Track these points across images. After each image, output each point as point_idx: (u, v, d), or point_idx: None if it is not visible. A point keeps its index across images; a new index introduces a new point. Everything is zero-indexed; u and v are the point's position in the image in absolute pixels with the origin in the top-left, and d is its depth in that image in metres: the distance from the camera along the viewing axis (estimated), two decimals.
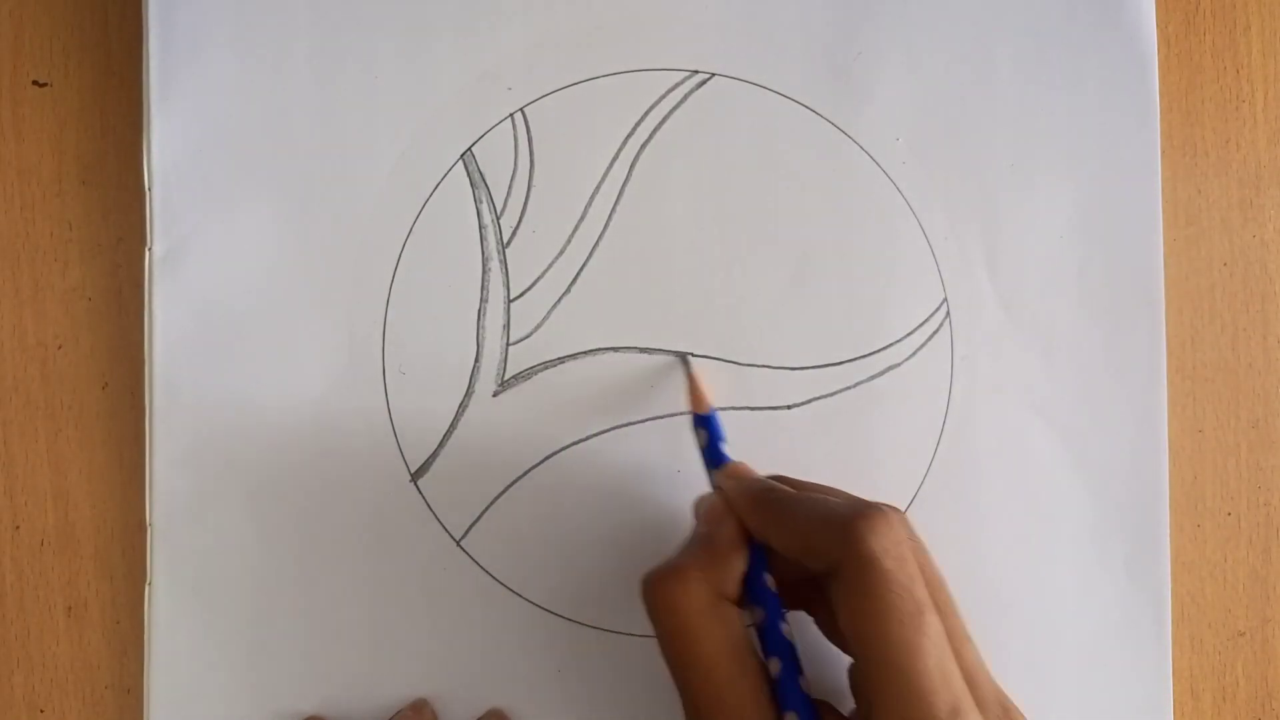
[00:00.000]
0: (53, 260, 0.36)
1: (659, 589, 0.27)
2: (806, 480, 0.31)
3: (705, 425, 0.33)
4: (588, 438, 0.35)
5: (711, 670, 0.26)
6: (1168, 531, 0.36)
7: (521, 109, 0.36)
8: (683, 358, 0.35)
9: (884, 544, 0.25)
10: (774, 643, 0.28)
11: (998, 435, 0.36)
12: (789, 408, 0.36)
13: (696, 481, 0.35)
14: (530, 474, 0.35)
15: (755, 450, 0.35)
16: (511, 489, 0.35)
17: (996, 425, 0.36)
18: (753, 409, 0.36)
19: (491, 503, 0.35)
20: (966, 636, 0.27)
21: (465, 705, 0.34)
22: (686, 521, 0.34)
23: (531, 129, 0.36)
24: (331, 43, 0.35)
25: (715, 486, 0.32)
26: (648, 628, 0.35)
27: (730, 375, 0.36)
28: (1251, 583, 0.38)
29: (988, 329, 0.36)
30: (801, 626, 0.30)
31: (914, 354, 0.36)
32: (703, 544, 0.29)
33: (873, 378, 0.36)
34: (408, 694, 0.34)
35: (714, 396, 0.34)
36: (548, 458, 0.35)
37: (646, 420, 0.35)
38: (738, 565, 0.28)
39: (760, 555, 0.29)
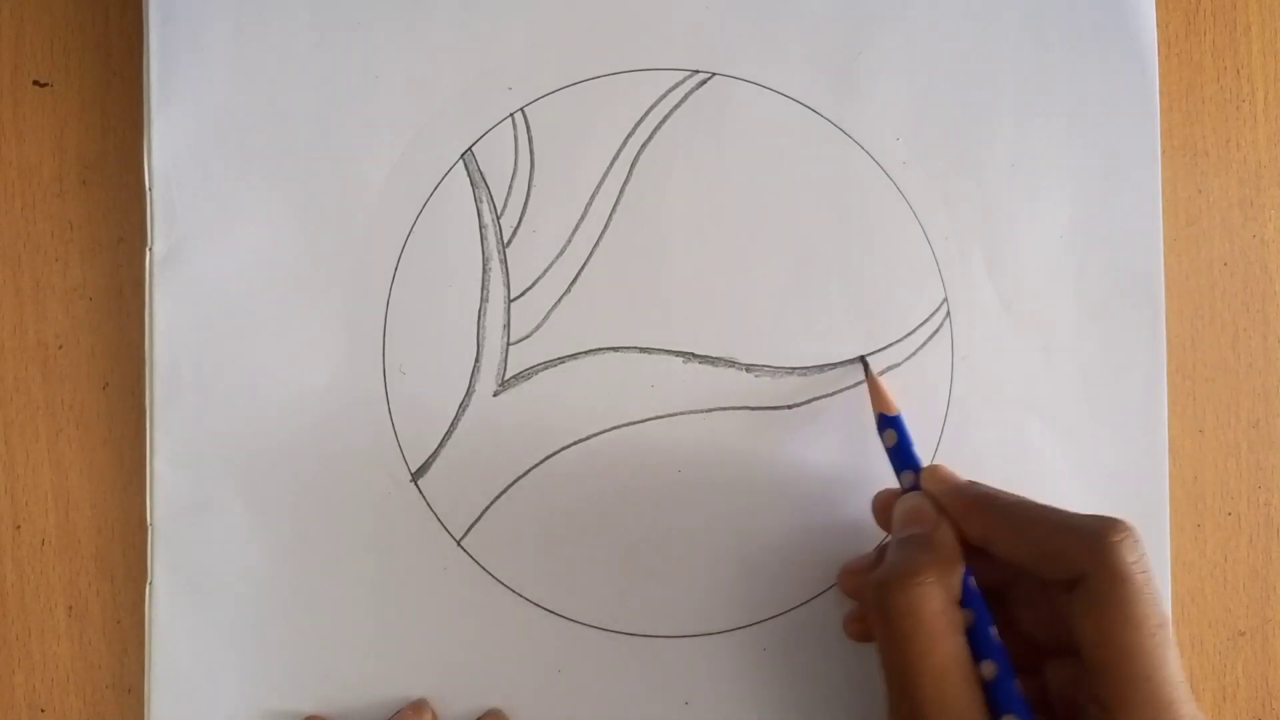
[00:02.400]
0: (53, 260, 0.36)
1: (898, 594, 0.27)
2: (997, 487, 0.31)
3: (895, 426, 0.33)
4: (588, 438, 0.35)
5: (943, 675, 0.27)
6: (1168, 531, 0.36)
7: (522, 109, 0.36)
8: (863, 361, 0.35)
9: (1135, 557, 0.26)
10: (988, 646, 0.28)
11: (998, 435, 0.36)
12: (789, 407, 0.36)
13: (696, 482, 0.35)
14: (530, 474, 0.35)
15: (756, 450, 0.35)
16: (511, 489, 0.35)
17: (996, 425, 0.36)
18: (753, 409, 0.36)
19: (491, 503, 0.35)
20: (1181, 668, 0.28)
21: (465, 705, 0.34)
22: (687, 522, 0.34)
23: (532, 129, 0.36)
24: (331, 42, 0.35)
25: (909, 489, 0.32)
26: (648, 627, 0.35)
27: (730, 375, 0.36)
28: (1252, 583, 0.38)
29: (988, 329, 0.36)
30: None
31: (914, 354, 0.36)
32: (926, 547, 0.29)
33: None
34: (408, 694, 0.34)
35: (896, 401, 0.34)
36: (548, 458, 0.35)
37: (646, 420, 0.35)
38: (960, 568, 0.29)
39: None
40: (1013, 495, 0.30)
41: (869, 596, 0.28)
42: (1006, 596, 0.31)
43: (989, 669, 0.28)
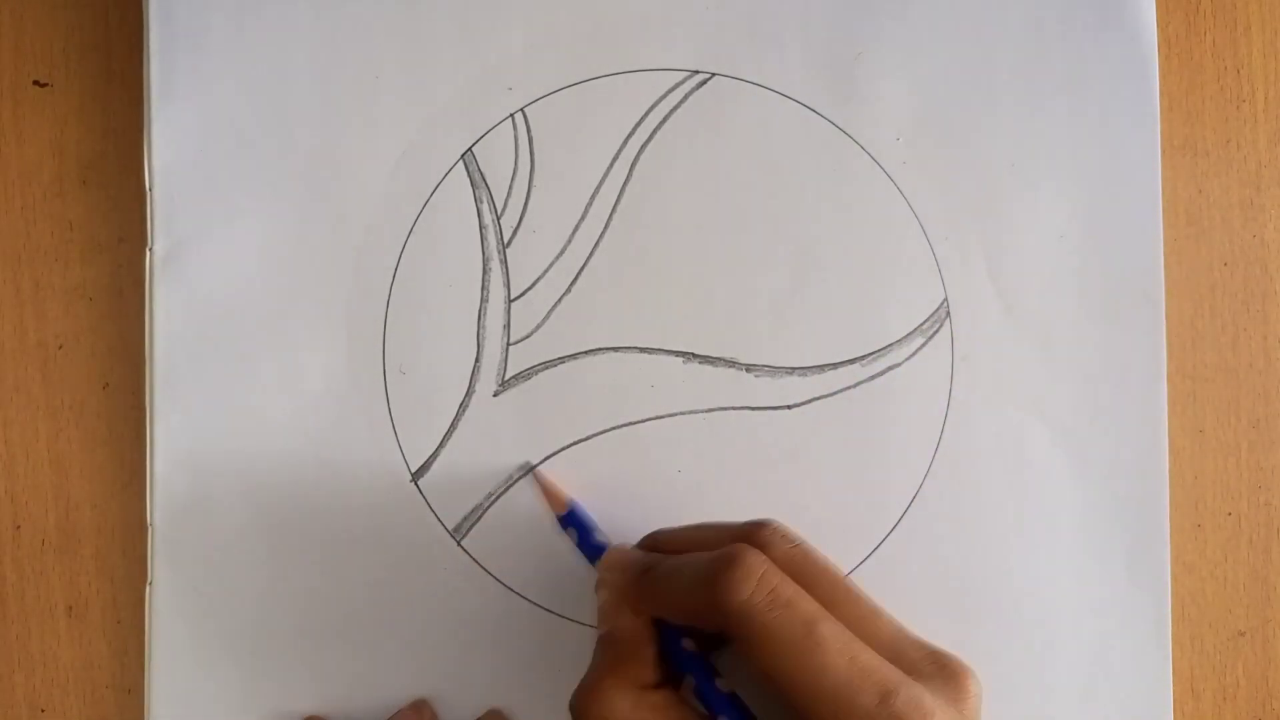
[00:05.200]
0: (53, 260, 0.36)
1: (584, 709, 0.28)
2: (682, 528, 0.31)
3: (571, 522, 0.34)
4: (588, 438, 0.35)
5: None
6: (1168, 531, 0.36)
7: (522, 109, 0.36)
8: (528, 469, 0.35)
9: (745, 591, 0.26)
10: (715, 703, 0.28)
11: (998, 435, 0.36)
12: (789, 408, 0.36)
13: (696, 482, 0.35)
14: (530, 474, 0.35)
15: (756, 450, 0.35)
16: (512, 489, 0.35)
17: (996, 425, 0.36)
18: (753, 409, 0.36)
19: (492, 503, 0.35)
20: (875, 611, 0.27)
21: (465, 705, 0.34)
22: (686, 521, 0.34)
23: (532, 129, 0.36)
24: (332, 42, 0.35)
25: (600, 580, 0.32)
26: None
27: (730, 375, 0.36)
28: (1252, 583, 0.38)
29: (988, 329, 0.36)
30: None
31: (914, 354, 0.36)
32: (608, 646, 0.29)
33: (873, 378, 0.36)
34: (408, 694, 0.34)
35: (569, 490, 0.34)
36: (548, 458, 0.35)
37: (646, 420, 0.35)
38: (648, 651, 0.28)
39: (671, 626, 0.29)
40: (676, 547, 0.30)
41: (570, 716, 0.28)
42: None
43: None
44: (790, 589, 0.26)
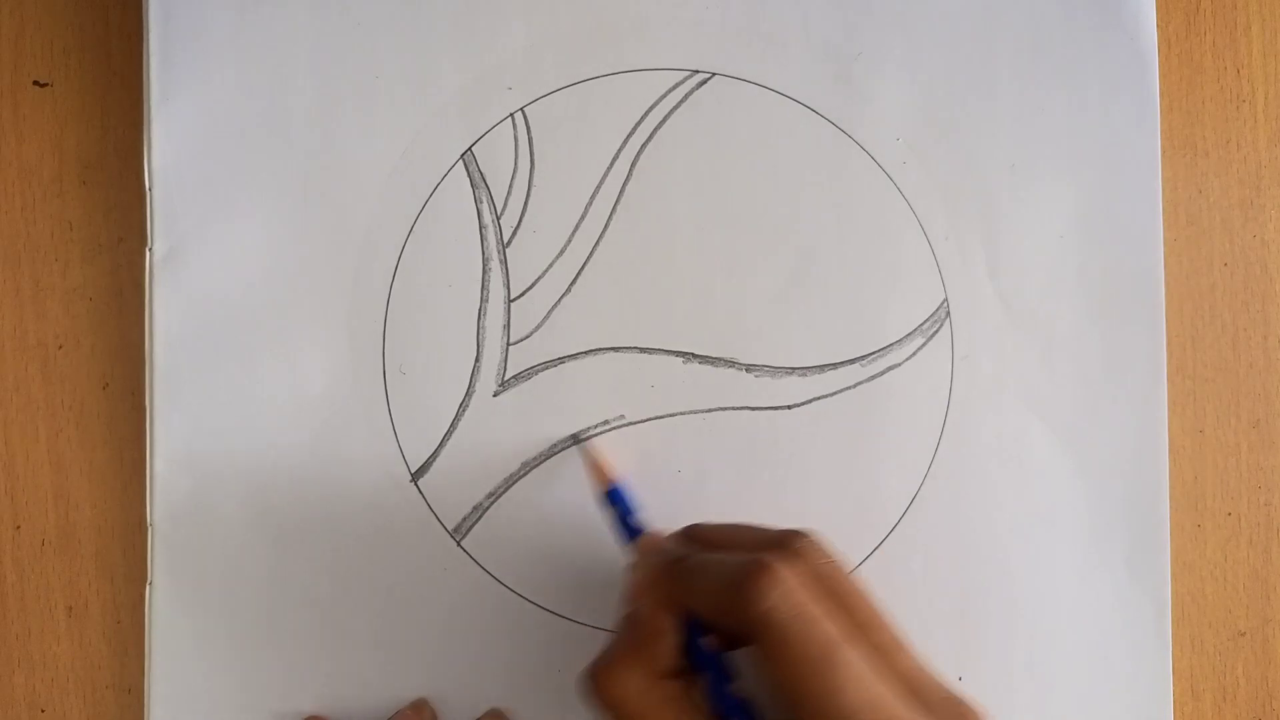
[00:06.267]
0: (53, 260, 0.36)
1: (598, 682, 0.27)
2: (721, 525, 0.31)
3: (612, 501, 0.33)
4: (588, 438, 0.35)
5: None
6: (1168, 531, 0.36)
7: (522, 109, 0.36)
8: (578, 442, 0.35)
9: (774, 601, 0.25)
10: (728, 705, 0.28)
11: (998, 435, 0.36)
12: (789, 408, 0.36)
13: (696, 482, 0.35)
14: (530, 474, 0.35)
15: (756, 450, 0.35)
16: (512, 489, 0.35)
17: (996, 425, 0.36)
18: (753, 409, 0.36)
19: (491, 503, 0.35)
20: (899, 643, 0.27)
21: (465, 705, 0.34)
22: (684, 523, 0.34)
23: (532, 129, 0.36)
24: (331, 43, 0.35)
25: (634, 562, 0.32)
26: None
27: (730, 375, 0.36)
28: (1252, 583, 0.38)
29: (988, 329, 0.36)
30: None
31: (914, 354, 0.36)
32: (631, 627, 0.29)
33: (873, 378, 0.36)
34: (408, 694, 0.34)
35: (618, 468, 0.34)
36: (548, 458, 0.35)
37: (646, 420, 0.35)
38: (670, 640, 0.28)
39: (695, 621, 0.29)
40: (711, 543, 0.30)
41: (580, 689, 0.28)
42: None
43: None
44: (817, 608, 0.26)
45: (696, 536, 0.31)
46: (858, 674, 0.25)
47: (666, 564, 0.29)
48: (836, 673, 0.25)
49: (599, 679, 0.27)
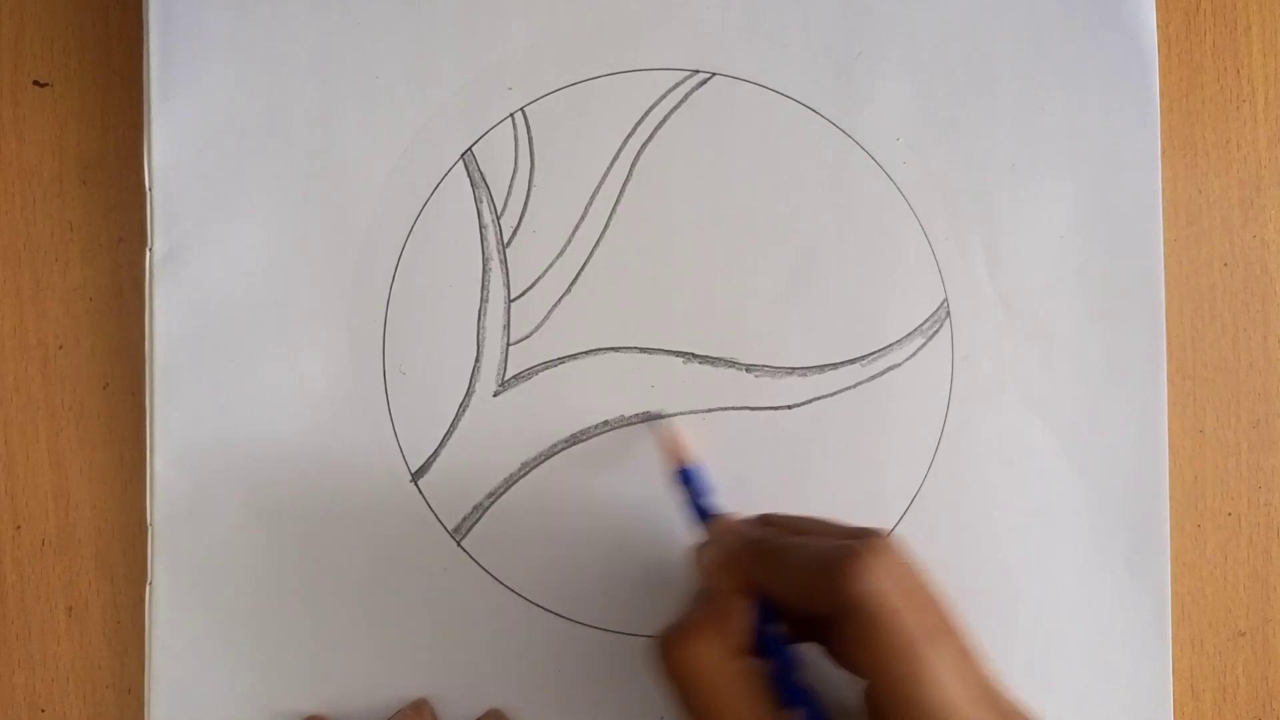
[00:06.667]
0: (53, 260, 0.36)
1: (671, 652, 0.27)
2: (797, 515, 0.31)
3: (687, 480, 0.33)
4: (588, 438, 0.35)
5: None
6: (1168, 531, 0.36)
7: (522, 109, 0.36)
8: (653, 420, 0.35)
9: (872, 585, 0.25)
10: (792, 693, 0.27)
11: (998, 435, 0.36)
12: (790, 408, 0.36)
13: None
14: (530, 474, 0.35)
15: (756, 450, 0.35)
16: (512, 489, 0.35)
17: (996, 425, 0.36)
18: (753, 409, 0.36)
19: (491, 503, 0.35)
20: (976, 653, 0.27)
21: (465, 705, 0.34)
22: (685, 522, 0.34)
23: (532, 129, 0.36)
24: (331, 43, 0.35)
25: (706, 542, 0.31)
26: (648, 627, 0.35)
27: (730, 375, 0.36)
28: (1252, 583, 0.38)
29: (988, 329, 0.36)
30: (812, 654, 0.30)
31: (914, 354, 0.36)
32: (708, 601, 0.29)
33: (873, 378, 0.36)
34: (408, 694, 0.34)
35: (692, 450, 0.34)
36: (548, 458, 0.35)
37: (647, 420, 0.35)
38: (744, 619, 0.28)
39: (767, 605, 0.29)
40: (789, 531, 0.30)
41: (651, 655, 0.28)
42: (825, 635, 0.30)
43: (797, 717, 0.27)
44: (907, 602, 0.26)
45: (774, 523, 0.31)
46: (945, 669, 0.25)
47: (746, 545, 0.29)
48: (924, 665, 0.25)
49: (671, 648, 0.27)
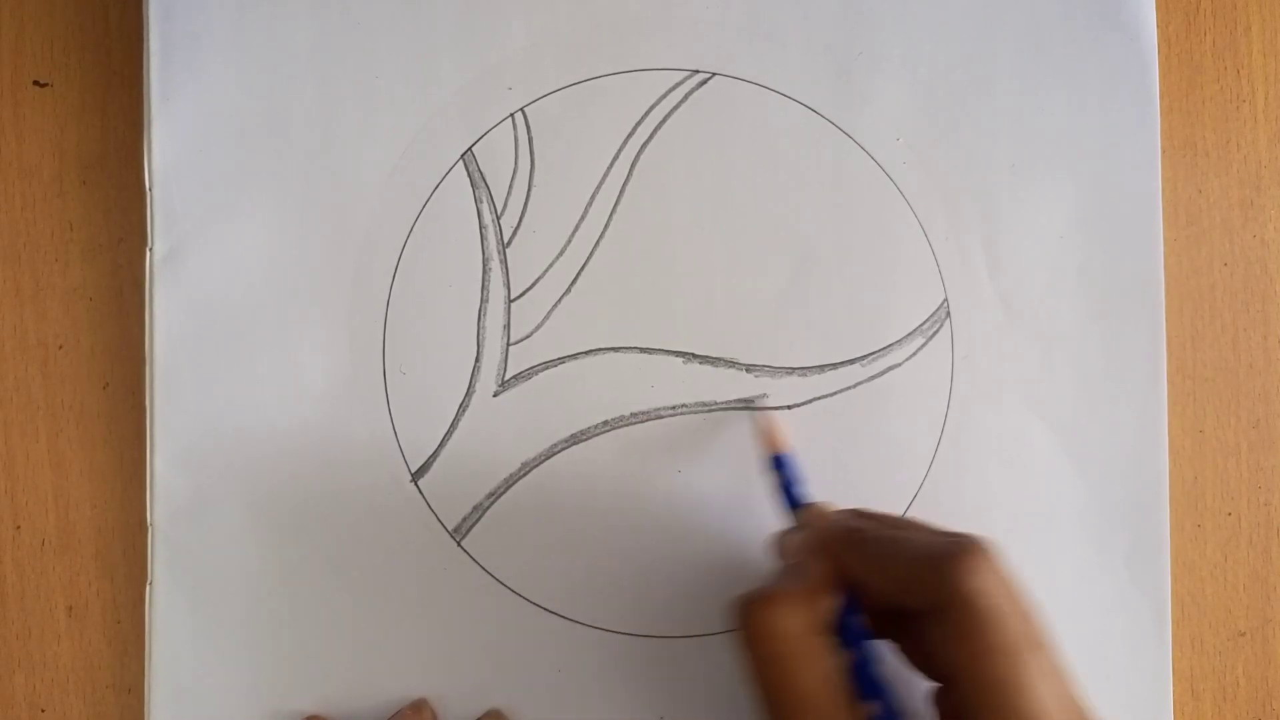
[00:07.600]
0: (53, 260, 0.36)
1: (757, 613, 0.27)
2: (884, 513, 0.31)
3: (780, 468, 0.33)
4: (588, 438, 0.35)
5: (808, 701, 0.26)
6: (1168, 531, 0.36)
7: (522, 109, 0.36)
8: (748, 407, 0.35)
9: (983, 583, 0.25)
10: (869, 687, 0.27)
11: (998, 435, 0.36)
12: (790, 408, 0.36)
13: (696, 482, 0.35)
14: (530, 474, 0.35)
15: (756, 450, 0.35)
16: (512, 489, 0.35)
17: (996, 425, 0.36)
18: (753, 409, 0.36)
19: (491, 503, 0.35)
20: (1067, 669, 0.27)
21: (465, 705, 0.34)
22: (685, 522, 0.34)
23: (532, 129, 0.36)
24: (331, 43, 0.35)
25: (798, 527, 0.32)
26: (648, 627, 0.35)
27: (730, 375, 0.36)
28: (1252, 583, 0.38)
29: (988, 329, 0.36)
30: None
31: (914, 354, 0.36)
32: (794, 572, 0.29)
33: (873, 378, 0.36)
34: (408, 694, 0.34)
35: (787, 439, 0.34)
36: (548, 458, 0.35)
37: (646, 420, 0.35)
38: (827, 599, 0.28)
39: (851, 597, 0.28)
40: (884, 526, 0.30)
41: (734, 617, 0.28)
42: (904, 633, 0.30)
43: (874, 710, 0.27)
44: (1012, 605, 0.26)
45: (868, 516, 0.31)
46: (1043, 679, 0.25)
47: (841, 533, 0.29)
48: (1025, 671, 0.25)
49: (756, 611, 0.27)
